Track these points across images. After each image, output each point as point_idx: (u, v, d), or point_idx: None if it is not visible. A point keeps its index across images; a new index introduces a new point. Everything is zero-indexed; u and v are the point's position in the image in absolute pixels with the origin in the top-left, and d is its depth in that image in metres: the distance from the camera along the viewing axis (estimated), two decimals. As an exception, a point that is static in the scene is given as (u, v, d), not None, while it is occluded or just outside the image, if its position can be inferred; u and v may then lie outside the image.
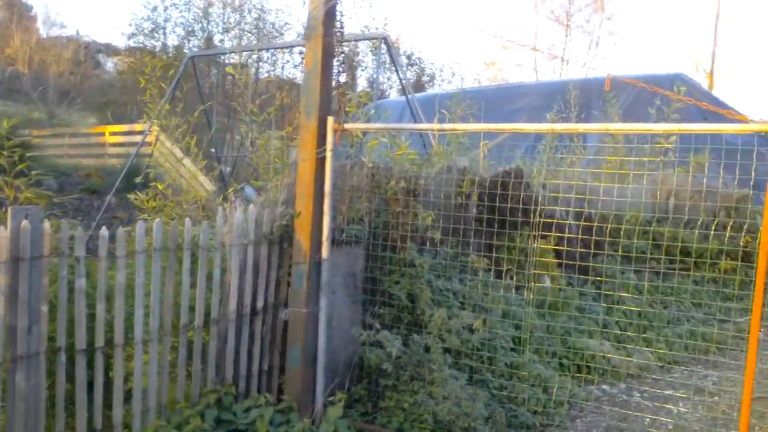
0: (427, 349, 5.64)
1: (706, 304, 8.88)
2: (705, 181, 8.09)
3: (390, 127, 6.06)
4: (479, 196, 7.07)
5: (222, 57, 19.24)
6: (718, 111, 13.82)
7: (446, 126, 5.45)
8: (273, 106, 7.45)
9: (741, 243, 9.12)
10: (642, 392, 6.82)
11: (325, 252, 5.10)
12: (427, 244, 6.22)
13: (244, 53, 19.64)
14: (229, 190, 6.75)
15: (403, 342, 5.62)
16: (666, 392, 6.86)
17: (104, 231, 4.02)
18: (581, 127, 5.04)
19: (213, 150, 12.63)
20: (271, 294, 5.20)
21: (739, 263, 8.38)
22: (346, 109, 5.53)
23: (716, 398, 6.71)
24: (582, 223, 7.85)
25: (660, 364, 7.58)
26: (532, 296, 6.64)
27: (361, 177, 5.76)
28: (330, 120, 5.06)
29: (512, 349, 6.41)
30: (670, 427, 5.88)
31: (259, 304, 5.10)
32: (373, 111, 7.14)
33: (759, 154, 5.34)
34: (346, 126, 5.09)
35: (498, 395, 5.92)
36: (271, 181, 5.86)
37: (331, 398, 5.07)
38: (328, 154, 5.05)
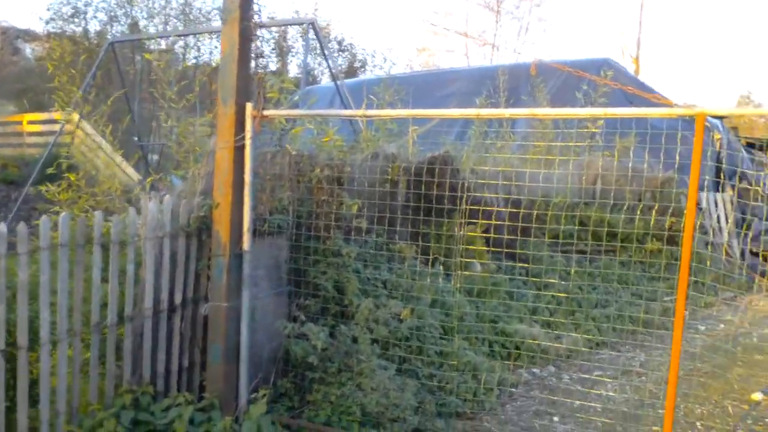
0: (354, 340, 5.52)
1: (633, 285, 9.02)
2: (630, 164, 8.20)
3: (312, 113, 5.91)
4: (407, 183, 6.98)
5: (147, 43, 18.67)
6: (643, 95, 14.07)
7: (371, 112, 5.30)
8: (193, 93, 7.17)
9: (666, 225, 9.28)
10: (571, 375, 6.87)
11: (246, 243, 4.91)
12: (354, 232, 6.10)
13: (170, 39, 19.09)
14: (148, 180, 6.47)
15: (330, 333, 5.49)
16: (595, 374, 6.92)
17: (2, 227, 3.76)
18: (508, 112, 4.99)
19: (136, 138, 12.22)
20: (190, 288, 5.00)
21: (664, 245, 8.51)
22: (267, 95, 5.34)
23: (643, 378, 6.80)
24: (510, 208, 7.84)
25: (588, 346, 7.65)
26: (459, 283, 6.59)
27: (284, 165, 5.59)
28: (248, 106, 4.87)
29: (442, 337, 6.35)
30: (599, 409, 5.91)
31: (177, 299, 4.89)
32: (297, 97, 6.96)
33: (683, 137, 5.39)
34: (266, 113, 4.90)
35: (428, 384, 5.85)
36: (191, 171, 5.63)
37: (254, 394, 4.91)
38: (247, 142, 4.86)
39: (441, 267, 6.93)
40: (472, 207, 6.76)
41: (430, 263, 6.67)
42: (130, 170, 9.72)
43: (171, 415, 4.49)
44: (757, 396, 6.32)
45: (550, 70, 15.05)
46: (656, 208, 9.15)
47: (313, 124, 6.88)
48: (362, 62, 28.95)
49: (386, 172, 6.83)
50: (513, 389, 6.35)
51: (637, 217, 8.23)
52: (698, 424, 5.70)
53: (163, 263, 4.77)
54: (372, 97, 8.50)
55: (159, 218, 4.72)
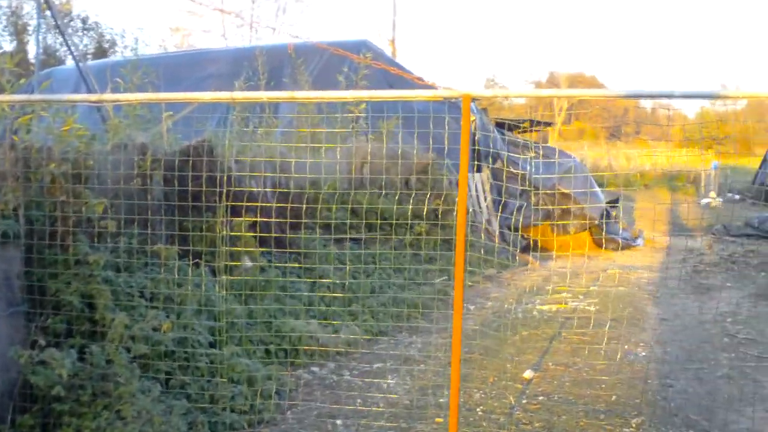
0: (110, 361, 4.78)
1: (407, 269, 8.98)
2: (397, 149, 8.08)
3: (35, 98, 4.98)
4: (164, 175, 6.25)
5: None
6: (407, 76, 14.29)
7: (107, 97, 4.58)
8: None
9: (433, 207, 9.35)
10: (351, 369, 6.60)
11: (-41, 260, 3.99)
12: (100, 237, 5.29)
13: None
14: None
15: (80, 356, 4.71)
16: (375, 365, 6.71)
17: None
18: (265, 95, 4.56)
19: None
20: None
21: (439, 228, 8.53)
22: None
23: (422, 366, 6.69)
24: (279, 198, 7.37)
25: (367, 336, 7.44)
26: (225, 280, 6.00)
27: (8, 160, 4.66)
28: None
29: (212, 345, 5.75)
30: (381, 405, 5.68)
31: None
32: (23, 80, 5.93)
33: (441, 120, 5.29)
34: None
35: (199, 400, 5.25)
36: None
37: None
38: (-46, 135, 3.92)
39: (206, 267, 6.29)
40: (236, 200, 6.18)
41: (192, 264, 6.01)
42: None
43: None
44: (528, 374, 6.45)
45: (310, 52, 14.80)
46: (428, 194, 9.18)
47: (49, 111, 5.90)
48: (111, 42, 26.80)
49: (139, 164, 6.06)
50: (294, 391, 5.92)
51: (410, 198, 8.15)
52: (478, 410, 5.65)
53: None
54: (119, 80, 7.58)
55: None
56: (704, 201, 22.18)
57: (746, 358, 7.06)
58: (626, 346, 7.34)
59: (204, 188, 5.48)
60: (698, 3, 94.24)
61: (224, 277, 5.87)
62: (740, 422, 5.41)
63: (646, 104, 39.85)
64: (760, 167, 24.89)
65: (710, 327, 8.23)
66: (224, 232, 5.96)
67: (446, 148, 5.31)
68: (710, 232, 15.99)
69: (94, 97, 4.50)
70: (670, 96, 4.31)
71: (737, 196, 24.89)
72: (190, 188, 5.40)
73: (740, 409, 5.66)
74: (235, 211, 6.58)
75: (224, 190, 5.46)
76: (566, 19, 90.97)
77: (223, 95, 4.31)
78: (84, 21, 26.55)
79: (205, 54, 19.01)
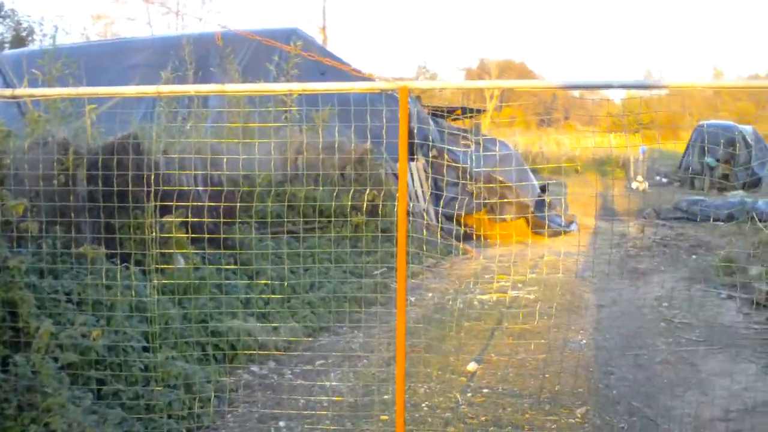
0: (36, 372, 4.49)
1: (346, 262, 8.82)
2: (332, 138, 7.89)
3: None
4: (88, 173, 5.94)
5: None
6: (336, 65, 14.05)
7: (21, 92, 4.27)
8: None
9: (371, 198, 9.20)
10: (293, 368, 6.41)
11: None
12: (21, 240, 4.98)
13: None
14: None
15: (3, 367, 4.42)
16: (317, 363, 6.55)
17: None
18: (193, 89, 4.35)
19: None
20: None
21: (379, 218, 8.39)
22: None
23: (365, 361, 6.57)
24: (212, 192, 7.11)
25: (308, 333, 7.27)
26: (157, 282, 5.74)
27: None
28: None
29: (146, 349, 5.49)
30: (325, 405, 5.53)
31: None
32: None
33: (377, 110, 5.18)
34: None
35: (135, 407, 5.00)
36: None
37: None
38: None
39: (137, 267, 6.01)
40: (166, 198, 5.90)
41: (121, 266, 5.73)
42: None
43: None
44: (472, 366, 6.39)
45: (239, 40, 14.40)
46: (366, 186, 9.03)
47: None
48: (29, 31, 25.72)
49: (61, 161, 5.73)
50: (234, 393, 5.72)
51: (350, 191, 7.97)
52: (424, 405, 5.55)
53: None
54: (35, 71, 7.17)
55: None
56: (633, 185, 22.70)
57: (683, 342, 7.17)
58: (567, 334, 7.37)
59: (131, 186, 5.19)
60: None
61: (155, 279, 5.61)
62: (681, 407, 5.46)
63: (576, 92, 40.54)
64: (685, 152, 25.61)
65: (647, 312, 8.35)
66: (153, 233, 5.69)
67: (384, 139, 5.19)
68: (641, 216, 16.33)
69: (8, 92, 4.18)
70: (608, 86, 4.28)
71: (665, 180, 25.57)
72: (115, 188, 5.11)
73: (680, 394, 5.73)
74: (166, 210, 6.30)
75: (152, 189, 5.18)
76: (494, 6, 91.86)
77: (149, 89, 4.09)
78: (-1, 8, 25.44)
79: (129, 43, 18.38)
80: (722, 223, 14.20)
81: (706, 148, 23.34)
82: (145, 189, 5.28)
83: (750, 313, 7.98)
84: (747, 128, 25.22)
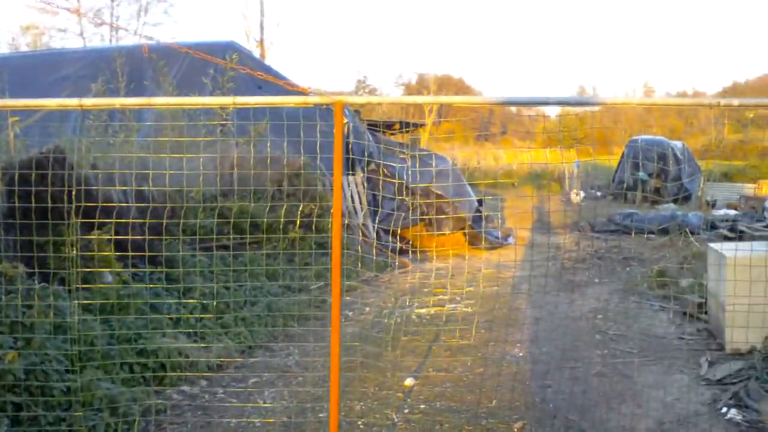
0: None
1: (281, 276, 8.66)
2: (266, 153, 7.76)
3: None
4: (9, 185, 5.68)
5: None
6: (272, 80, 13.92)
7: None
8: None
9: (305, 211, 9.10)
10: (225, 387, 6.23)
11: None
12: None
13: None
14: None
15: None
16: (251, 381, 6.39)
17: None
18: (118, 102, 4.20)
19: None
20: None
21: (314, 233, 8.29)
22: None
23: (300, 379, 6.43)
24: (142, 207, 6.89)
25: (241, 351, 7.09)
26: (78, 301, 5.50)
27: None
28: None
29: (69, 371, 5.25)
30: (258, 425, 5.37)
31: None
32: None
33: (314, 124, 5.10)
34: None
35: (55, 432, 4.77)
36: None
37: None
38: None
39: (61, 286, 5.76)
40: (92, 213, 5.69)
41: (41, 285, 5.48)
42: None
43: None
44: (409, 382, 6.32)
45: (174, 54, 14.17)
46: (301, 200, 8.89)
47: None
48: (-47, 42, 24.83)
49: (-22, 175, 5.46)
50: (161, 416, 5.50)
51: (284, 205, 7.83)
52: (360, 423, 5.45)
53: None
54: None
55: None
56: (568, 198, 23.09)
57: (617, 354, 7.23)
58: (505, 348, 7.36)
59: (50, 202, 4.97)
60: (555, 7, 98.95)
61: (75, 300, 5.37)
62: (616, 420, 5.48)
63: (512, 107, 41.16)
64: (618, 166, 26.20)
65: (583, 324, 8.41)
66: (75, 251, 5.45)
67: (318, 153, 5.10)
68: (576, 229, 16.58)
69: None
70: (545, 103, 4.29)
71: (599, 193, 26.09)
72: (33, 203, 4.87)
73: (615, 406, 5.76)
74: (93, 226, 6.07)
75: (78, 205, 4.96)
76: (433, 22, 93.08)
77: (71, 101, 3.93)
78: None
79: (60, 54, 17.93)
80: (654, 236, 14.51)
81: (639, 163, 23.93)
82: (67, 205, 5.06)
83: (682, 324, 8.11)
84: (677, 144, 25.98)
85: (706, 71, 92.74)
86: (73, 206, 4.91)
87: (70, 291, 5.82)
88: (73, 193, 4.88)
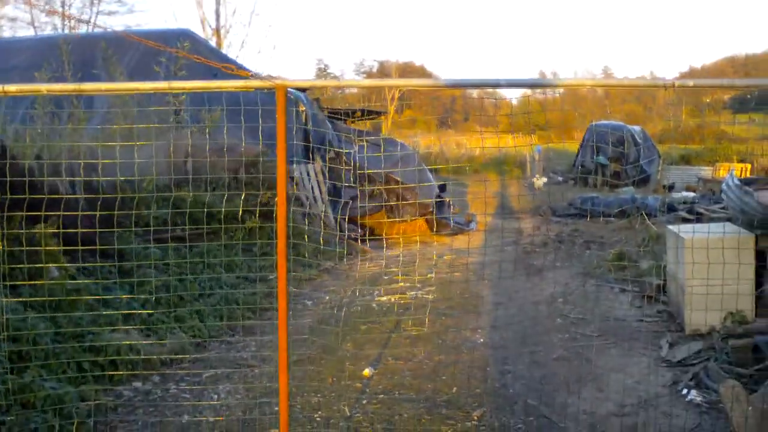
0: None
1: (237, 266, 8.48)
2: (222, 141, 7.55)
3: None
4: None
5: None
6: (218, 66, 13.63)
7: None
8: None
9: (263, 200, 8.91)
10: (179, 381, 6.06)
11: None
12: None
13: None
14: None
15: None
16: (206, 375, 6.21)
17: None
18: (44, 87, 4.03)
19: None
20: None
21: (269, 222, 8.10)
22: None
23: (257, 370, 6.27)
24: (89, 202, 6.65)
25: (196, 344, 6.90)
26: (5, 298, 5.28)
27: None
28: None
29: (14, 370, 5.04)
30: (211, 421, 5.21)
31: None
32: None
33: (269, 110, 4.95)
34: None
35: (-5, 436, 4.57)
36: None
37: None
38: None
39: (1, 281, 5.51)
40: (37, 205, 5.45)
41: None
42: None
43: None
44: (368, 371, 6.20)
45: (127, 43, 13.84)
46: (262, 189, 8.70)
47: None
48: None
49: None
50: (111, 414, 5.31)
51: (242, 194, 7.64)
52: (316, 416, 5.32)
53: None
54: None
55: None
56: (530, 183, 23.16)
57: (578, 338, 7.20)
58: (465, 334, 7.29)
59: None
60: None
61: (3, 297, 5.14)
62: (577, 404, 5.43)
63: (474, 93, 41.23)
64: (578, 151, 26.36)
65: (543, 308, 8.38)
66: (2, 245, 5.20)
67: (268, 138, 4.94)
68: (537, 213, 16.62)
69: None
70: (496, 85, 4.19)
71: (560, 178, 26.23)
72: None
73: (576, 390, 5.71)
74: (37, 219, 5.83)
75: (17, 197, 4.74)
76: (396, 9, 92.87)
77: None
78: None
79: (9, 44, 17.45)
80: (614, 219, 14.57)
81: (597, 148, 24.10)
82: (1, 196, 4.83)
83: (642, 306, 8.11)
84: (635, 128, 26.23)
85: (663, 57, 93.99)
86: (8, 198, 4.69)
87: (14, 287, 5.60)
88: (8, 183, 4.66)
